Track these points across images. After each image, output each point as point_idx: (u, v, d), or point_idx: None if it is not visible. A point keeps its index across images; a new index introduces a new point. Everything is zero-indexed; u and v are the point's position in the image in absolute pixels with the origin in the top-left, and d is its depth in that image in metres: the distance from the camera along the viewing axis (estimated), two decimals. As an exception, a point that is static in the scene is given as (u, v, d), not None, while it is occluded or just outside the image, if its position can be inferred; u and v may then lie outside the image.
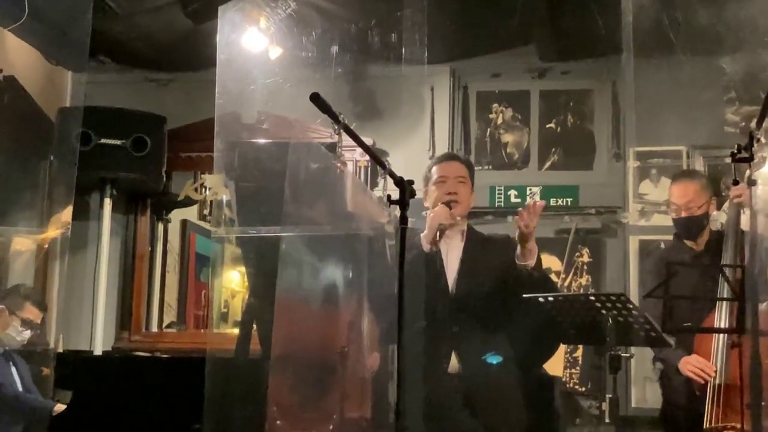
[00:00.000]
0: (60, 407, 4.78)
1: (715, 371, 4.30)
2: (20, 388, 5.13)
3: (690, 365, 4.44)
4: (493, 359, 4.02)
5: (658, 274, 4.32)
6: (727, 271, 4.01)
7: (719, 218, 4.67)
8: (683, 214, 4.70)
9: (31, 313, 5.25)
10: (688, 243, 4.77)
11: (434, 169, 4.31)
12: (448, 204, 4.10)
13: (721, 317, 4.28)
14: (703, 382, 4.37)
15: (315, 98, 2.84)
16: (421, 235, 4.07)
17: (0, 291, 5.67)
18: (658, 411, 5.27)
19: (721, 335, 4.29)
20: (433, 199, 4.21)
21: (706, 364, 4.38)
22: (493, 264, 4.20)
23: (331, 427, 3.74)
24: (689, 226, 4.72)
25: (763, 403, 3.23)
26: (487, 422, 4.04)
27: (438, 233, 3.98)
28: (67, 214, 5.81)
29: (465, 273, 4.19)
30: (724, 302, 4.19)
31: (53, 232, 6.09)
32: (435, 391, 3.98)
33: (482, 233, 4.43)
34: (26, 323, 5.21)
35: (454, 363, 4.11)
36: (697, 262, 4.70)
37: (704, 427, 4.24)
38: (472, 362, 4.07)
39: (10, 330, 5.16)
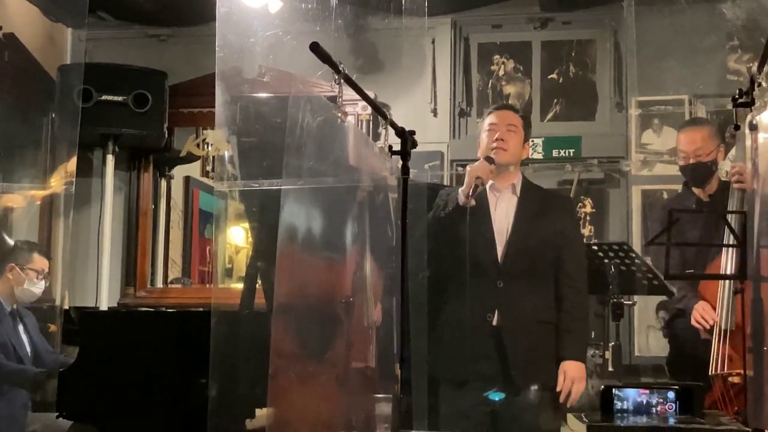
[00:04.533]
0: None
1: (721, 317, 4.31)
2: (28, 348, 5.16)
3: (696, 312, 4.47)
4: (496, 396, 4.00)
5: (662, 222, 4.32)
6: (732, 218, 4.00)
7: (724, 166, 4.65)
8: (691, 161, 4.67)
9: (40, 263, 5.28)
10: (696, 191, 4.75)
11: (487, 117, 4.24)
12: (489, 158, 4.03)
13: (728, 263, 4.27)
14: (703, 328, 4.40)
15: (315, 48, 2.83)
16: (460, 189, 4.00)
17: (3, 249, 5.69)
18: (661, 359, 5.31)
19: (728, 281, 4.30)
20: (482, 148, 4.17)
21: (709, 313, 4.40)
22: (549, 224, 4.14)
23: (335, 376, 3.76)
24: (697, 172, 4.68)
25: (766, 348, 3.25)
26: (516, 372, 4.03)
27: (473, 187, 3.91)
28: (71, 165, 5.81)
29: (519, 229, 4.11)
30: (731, 249, 4.17)
31: (57, 182, 6.10)
32: (474, 343, 3.99)
33: (539, 186, 4.35)
34: (40, 273, 5.25)
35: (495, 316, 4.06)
36: (702, 208, 4.69)
37: (710, 373, 4.26)
38: (511, 315, 4.03)
39: (26, 284, 5.17)
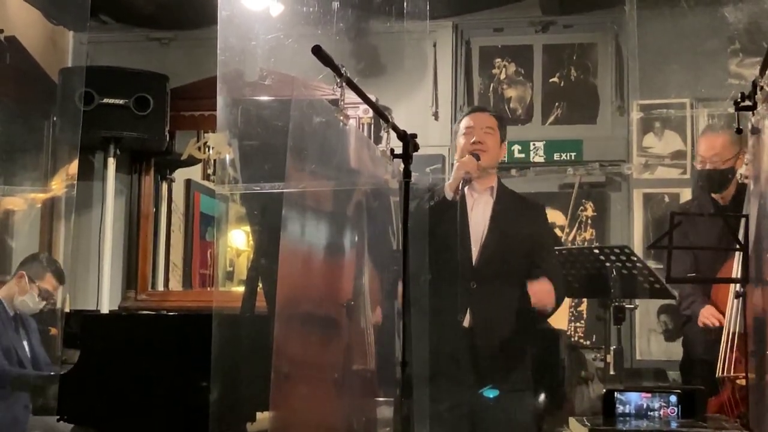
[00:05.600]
0: None
1: (730, 320, 4.29)
2: (28, 353, 5.15)
3: (702, 315, 4.49)
4: (490, 393, 4.00)
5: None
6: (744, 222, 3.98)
7: (741, 171, 4.65)
8: (707, 167, 4.71)
9: (50, 284, 5.24)
10: (715, 196, 4.78)
11: (463, 120, 4.29)
12: (474, 155, 4.09)
13: (739, 267, 4.25)
14: (712, 326, 4.39)
15: (317, 51, 2.83)
16: (446, 183, 4.07)
17: (6, 253, 5.68)
18: (663, 363, 5.30)
19: (738, 285, 4.27)
20: (460, 150, 4.20)
21: (715, 315, 4.41)
22: (523, 230, 4.17)
23: (335, 379, 3.76)
24: (711, 178, 4.73)
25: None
26: (495, 374, 4.04)
27: (462, 182, 3.99)
28: (72, 168, 5.81)
29: (493, 233, 4.14)
30: (743, 252, 4.15)
31: (58, 185, 6.10)
32: (447, 343, 3.99)
33: (514, 191, 4.38)
34: (43, 293, 5.20)
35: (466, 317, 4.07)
36: (713, 213, 4.68)
37: (717, 375, 4.25)
38: (483, 317, 4.04)
39: (27, 297, 5.15)
